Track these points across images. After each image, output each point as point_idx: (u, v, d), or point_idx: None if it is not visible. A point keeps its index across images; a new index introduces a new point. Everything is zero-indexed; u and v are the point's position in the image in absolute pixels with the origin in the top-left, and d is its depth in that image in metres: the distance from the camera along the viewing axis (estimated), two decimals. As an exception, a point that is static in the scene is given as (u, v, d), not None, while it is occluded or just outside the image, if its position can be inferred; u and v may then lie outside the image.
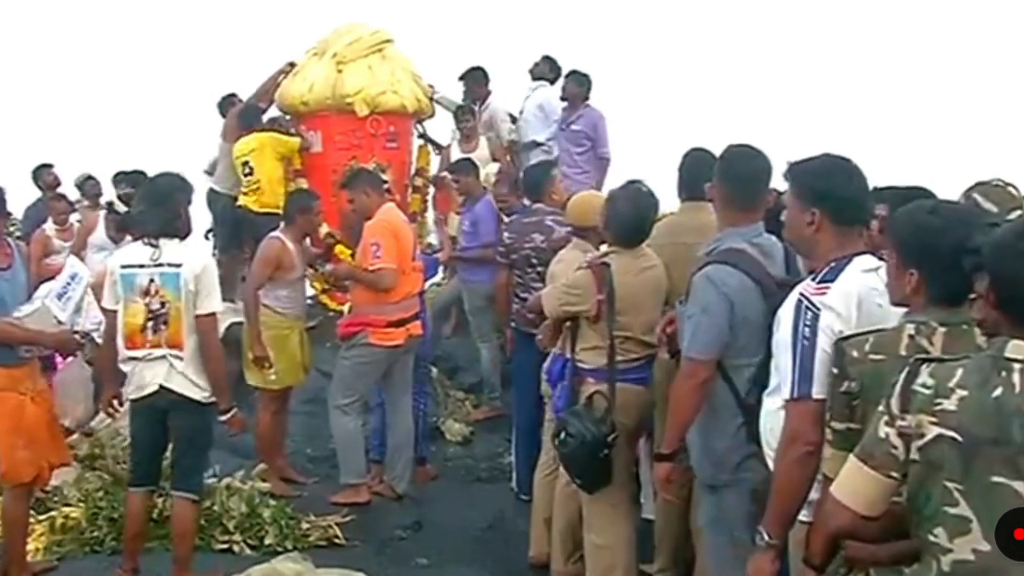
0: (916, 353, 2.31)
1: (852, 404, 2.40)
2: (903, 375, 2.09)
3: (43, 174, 9.48)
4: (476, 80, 8.81)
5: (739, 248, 3.49)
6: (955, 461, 1.97)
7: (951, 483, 1.98)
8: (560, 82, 8.72)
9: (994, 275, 2.03)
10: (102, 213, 7.86)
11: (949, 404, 1.99)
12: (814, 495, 2.67)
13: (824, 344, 2.62)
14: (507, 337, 6.53)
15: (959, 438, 1.97)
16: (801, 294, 2.73)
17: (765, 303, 3.34)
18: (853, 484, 2.14)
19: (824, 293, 2.69)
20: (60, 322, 4.63)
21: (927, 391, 2.03)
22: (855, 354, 2.41)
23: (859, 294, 2.70)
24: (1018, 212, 3.26)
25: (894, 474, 2.07)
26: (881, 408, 2.11)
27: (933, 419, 2.00)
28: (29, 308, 4.57)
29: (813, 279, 2.78)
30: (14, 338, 4.51)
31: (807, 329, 2.66)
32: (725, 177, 3.58)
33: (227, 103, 8.44)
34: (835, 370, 2.46)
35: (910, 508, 2.08)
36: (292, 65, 8.18)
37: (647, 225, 4.46)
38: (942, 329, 2.34)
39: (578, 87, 8.47)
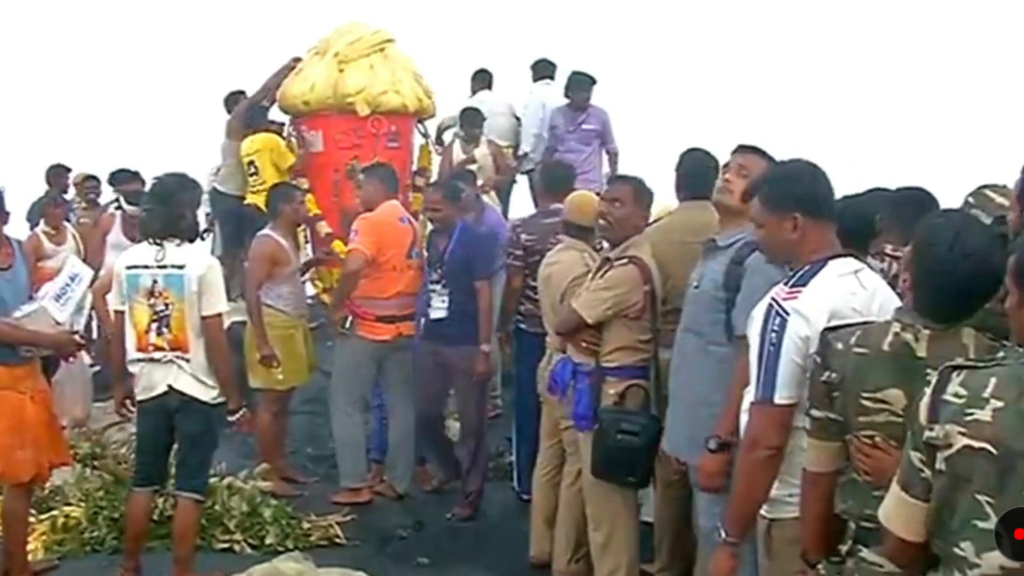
0: (899, 350, 2.31)
1: (832, 395, 2.39)
2: (932, 384, 2.02)
3: (61, 174, 9.54)
4: (480, 80, 8.99)
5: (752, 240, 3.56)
6: (989, 474, 1.89)
7: (983, 496, 1.90)
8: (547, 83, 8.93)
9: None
10: (118, 213, 7.85)
11: (983, 415, 1.92)
12: (776, 491, 2.74)
13: (789, 351, 2.62)
14: (501, 339, 6.45)
15: (994, 450, 1.89)
16: (772, 298, 2.73)
17: None
18: (904, 515, 2.08)
19: (795, 298, 2.68)
20: (58, 323, 4.64)
21: (958, 401, 1.96)
22: (839, 346, 2.39)
23: (832, 301, 2.66)
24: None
25: (931, 497, 2.02)
26: (909, 430, 2.07)
27: (962, 430, 1.93)
28: (27, 308, 4.58)
29: (786, 283, 2.77)
30: (12, 339, 4.51)
31: (774, 335, 2.65)
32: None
33: (233, 100, 8.44)
34: (818, 359, 2.44)
35: (933, 519, 2.01)
36: (298, 60, 8.17)
37: None
38: (926, 331, 2.32)
39: (582, 89, 8.55)
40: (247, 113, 8.03)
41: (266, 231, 6.16)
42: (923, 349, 2.31)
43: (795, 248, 2.87)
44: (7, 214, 4.63)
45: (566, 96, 8.61)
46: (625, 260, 4.45)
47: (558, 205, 5.92)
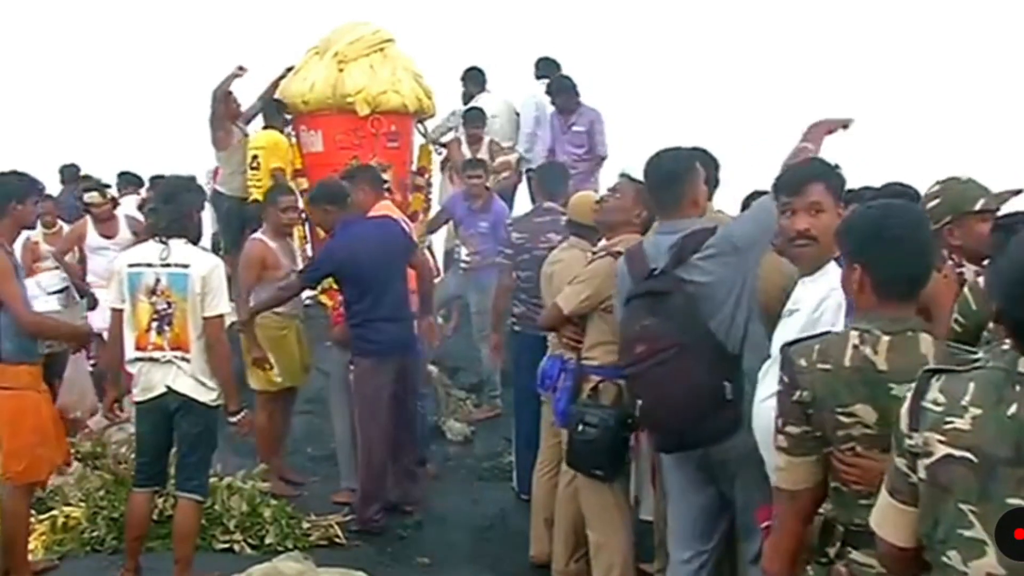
0: (861, 364, 2.28)
1: (807, 412, 2.35)
2: (912, 390, 2.00)
3: (75, 174, 9.59)
4: (473, 80, 8.97)
5: (639, 243, 3.93)
6: (970, 482, 1.87)
7: (965, 505, 1.87)
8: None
9: (1000, 302, 1.94)
10: (88, 217, 7.86)
11: (962, 423, 1.88)
12: None
13: None
14: (492, 340, 6.46)
15: (974, 459, 1.86)
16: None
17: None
18: (894, 521, 2.05)
19: None
20: (83, 316, 4.76)
21: (938, 408, 1.93)
22: (803, 363, 2.33)
23: None
24: (935, 201, 3.38)
25: (919, 501, 2.00)
26: (894, 437, 2.05)
27: (942, 438, 1.90)
28: (57, 305, 4.69)
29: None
30: (59, 333, 4.67)
31: None
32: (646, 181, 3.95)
33: None
34: (785, 379, 2.37)
35: (921, 527, 1.99)
36: (242, 69, 8.19)
37: None
38: (886, 338, 2.29)
39: (565, 92, 8.54)
40: (262, 111, 8.10)
41: (257, 234, 6.21)
42: (883, 362, 2.28)
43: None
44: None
45: (553, 104, 8.65)
46: (604, 253, 4.49)
47: (550, 204, 5.96)
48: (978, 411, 1.88)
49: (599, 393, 4.44)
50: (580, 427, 4.34)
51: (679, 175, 3.76)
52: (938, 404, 1.94)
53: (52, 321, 4.67)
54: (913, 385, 2.01)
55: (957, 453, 1.89)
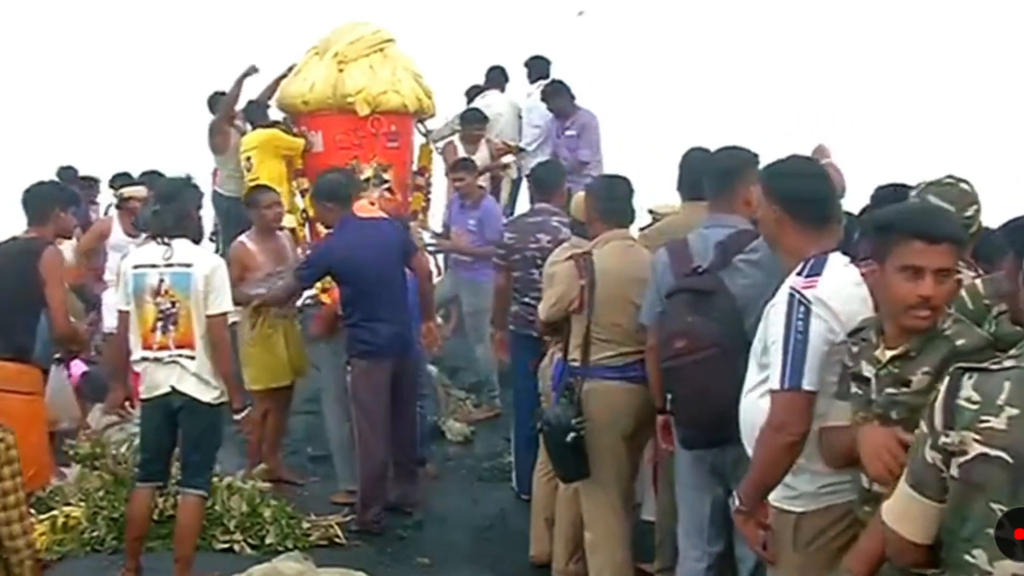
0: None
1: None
2: (944, 387, 2.00)
3: (72, 176, 9.60)
4: (494, 79, 9.18)
5: (683, 237, 3.86)
6: (1003, 482, 1.87)
7: (996, 504, 1.88)
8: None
9: None
10: (115, 213, 7.83)
11: (998, 423, 1.89)
12: (807, 486, 2.82)
13: (815, 337, 2.70)
14: (495, 339, 6.48)
15: (1009, 459, 1.86)
16: (792, 288, 2.80)
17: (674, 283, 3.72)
18: (914, 516, 2.05)
19: (813, 286, 2.76)
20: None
21: (973, 407, 1.93)
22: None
23: (847, 287, 2.80)
24: (975, 207, 3.35)
25: (946, 498, 2.00)
26: (924, 429, 2.04)
27: (978, 437, 1.91)
28: None
29: (799, 274, 2.85)
30: (80, 344, 4.71)
31: (800, 323, 2.72)
32: (704, 174, 3.97)
33: (216, 101, 8.50)
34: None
35: (943, 526, 2.00)
36: (255, 69, 8.20)
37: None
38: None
39: (558, 96, 8.54)
40: (223, 122, 8.09)
41: (242, 236, 6.24)
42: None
43: (775, 240, 3.11)
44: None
45: (549, 109, 8.64)
46: (566, 257, 4.56)
47: (542, 205, 5.96)
48: (1015, 411, 1.89)
49: (573, 393, 4.46)
50: (539, 425, 4.51)
51: (737, 171, 3.78)
52: (973, 402, 1.94)
53: (80, 331, 4.82)
54: (946, 381, 2.01)
55: (992, 452, 1.89)
